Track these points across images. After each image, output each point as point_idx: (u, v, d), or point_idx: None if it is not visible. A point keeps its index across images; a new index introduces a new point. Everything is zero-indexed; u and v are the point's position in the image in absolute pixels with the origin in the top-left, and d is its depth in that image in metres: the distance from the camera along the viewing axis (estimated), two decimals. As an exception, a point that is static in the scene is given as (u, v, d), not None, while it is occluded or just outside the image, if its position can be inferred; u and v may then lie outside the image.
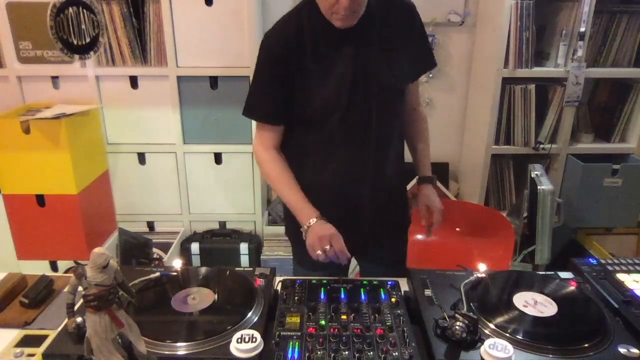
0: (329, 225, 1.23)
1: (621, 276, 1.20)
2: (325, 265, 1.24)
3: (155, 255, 2.38)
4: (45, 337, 1.03)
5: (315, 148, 1.32)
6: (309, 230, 1.23)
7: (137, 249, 2.31)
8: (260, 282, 1.15)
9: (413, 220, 1.51)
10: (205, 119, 2.36)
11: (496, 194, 2.67)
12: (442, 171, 2.81)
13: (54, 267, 2.23)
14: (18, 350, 1.00)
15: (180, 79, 2.28)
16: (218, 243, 2.47)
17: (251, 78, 1.32)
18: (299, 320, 1.02)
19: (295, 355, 0.93)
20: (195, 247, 2.44)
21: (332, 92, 1.23)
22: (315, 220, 1.23)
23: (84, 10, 2.18)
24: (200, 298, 1.08)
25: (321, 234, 1.20)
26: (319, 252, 1.18)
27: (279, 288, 1.16)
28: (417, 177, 1.46)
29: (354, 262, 1.58)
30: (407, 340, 0.96)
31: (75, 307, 0.90)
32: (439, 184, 2.68)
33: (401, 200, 1.48)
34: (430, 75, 2.66)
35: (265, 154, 1.33)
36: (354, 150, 1.30)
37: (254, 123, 2.29)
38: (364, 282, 1.18)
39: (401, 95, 1.36)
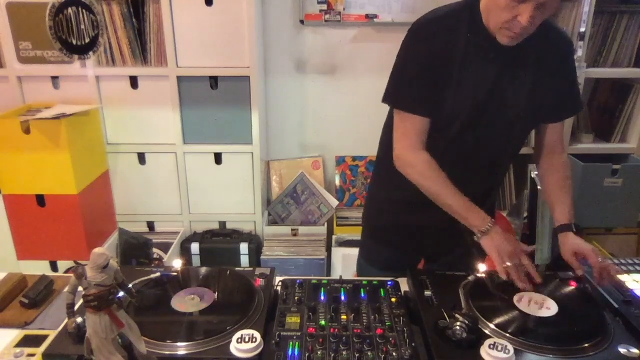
0: (511, 238, 1.16)
1: (621, 276, 1.20)
2: (393, 266, 1.23)
3: (155, 255, 2.38)
4: (45, 337, 1.03)
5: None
6: (489, 232, 1.15)
7: (137, 249, 2.31)
8: (260, 282, 1.15)
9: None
10: (205, 119, 2.36)
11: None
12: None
13: (54, 267, 2.22)
14: (18, 350, 1.00)
15: (180, 79, 2.28)
16: (218, 243, 2.47)
17: (393, 65, 1.21)
18: (299, 320, 1.02)
19: (295, 355, 0.93)
20: (195, 247, 2.44)
21: (460, 104, 1.18)
22: (490, 224, 1.16)
23: (84, 10, 2.17)
24: (200, 298, 1.08)
25: (510, 249, 1.13)
26: (508, 264, 1.11)
27: (279, 288, 1.16)
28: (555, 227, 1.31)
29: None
30: (407, 340, 0.96)
31: (75, 307, 0.90)
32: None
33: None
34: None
35: (415, 156, 1.21)
36: (458, 166, 1.23)
37: (254, 123, 2.33)
38: (364, 282, 1.18)
39: (526, 132, 1.30)
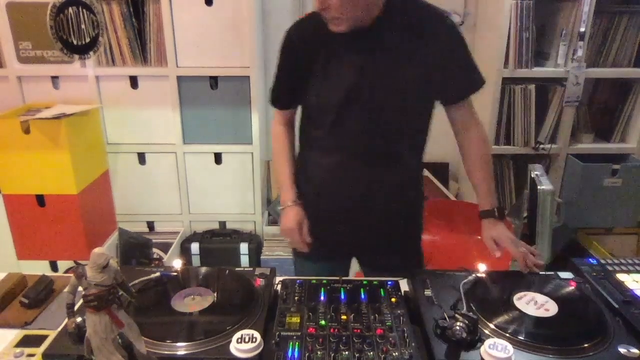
0: (297, 215, 1.30)
1: (621, 276, 1.20)
2: (325, 258, 1.27)
3: (155, 255, 2.38)
4: (45, 337, 1.03)
5: (316, 142, 1.34)
6: (283, 212, 1.32)
7: (137, 249, 2.31)
8: (260, 282, 1.15)
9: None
10: (205, 119, 2.36)
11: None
12: (442, 171, 2.81)
13: (54, 267, 2.23)
14: (18, 350, 1.00)
15: (180, 79, 2.28)
16: (218, 243, 2.47)
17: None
18: (299, 320, 1.02)
19: (295, 355, 0.93)
20: (195, 247, 2.44)
21: (328, 95, 1.24)
22: (290, 204, 1.31)
23: (84, 10, 2.18)
24: (200, 298, 1.08)
25: (285, 227, 1.30)
26: (295, 227, 1.28)
27: (279, 288, 1.16)
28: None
29: (354, 261, 1.57)
30: (407, 340, 0.96)
31: (75, 307, 0.90)
32: (439, 184, 2.68)
33: (408, 211, 1.40)
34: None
35: (275, 129, 1.42)
36: (347, 156, 1.28)
37: (254, 123, 2.33)
38: (364, 282, 1.18)
39: (416, 115, 1.29)
